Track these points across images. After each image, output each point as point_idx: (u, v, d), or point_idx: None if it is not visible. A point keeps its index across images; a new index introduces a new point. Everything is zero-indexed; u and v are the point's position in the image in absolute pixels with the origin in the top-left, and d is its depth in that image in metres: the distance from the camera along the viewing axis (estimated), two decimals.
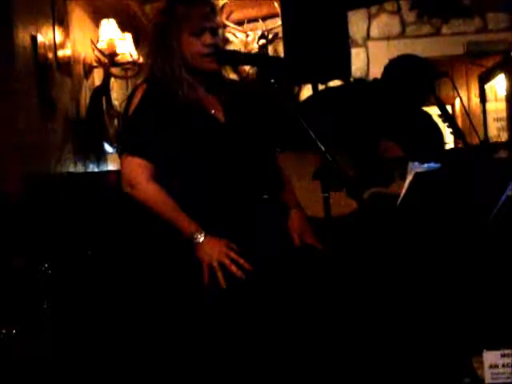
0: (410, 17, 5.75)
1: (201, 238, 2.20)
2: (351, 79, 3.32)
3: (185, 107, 2.28)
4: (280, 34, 4.59)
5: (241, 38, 5.22)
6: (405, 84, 3.18)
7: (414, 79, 3.17)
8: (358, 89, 3.39)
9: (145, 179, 2.23)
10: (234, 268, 2.18)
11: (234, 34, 5.25)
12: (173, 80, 2.29)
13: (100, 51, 4.43)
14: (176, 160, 2.27)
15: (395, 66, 3.24)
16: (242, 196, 2.31)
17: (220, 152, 2.30)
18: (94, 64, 4.51)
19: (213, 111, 2.35)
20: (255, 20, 5.30)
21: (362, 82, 3.81)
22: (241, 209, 2.30)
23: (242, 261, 2.19)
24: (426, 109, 3.46)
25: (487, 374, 2.36)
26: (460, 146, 3.30)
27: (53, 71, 3.77)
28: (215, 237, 2.22)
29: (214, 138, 2.31)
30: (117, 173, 4.05)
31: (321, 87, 3.08)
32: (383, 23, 5.74)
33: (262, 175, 2.39)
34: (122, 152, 2.30)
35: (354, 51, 4.81)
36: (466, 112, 5.46)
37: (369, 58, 5.70)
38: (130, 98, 2.33)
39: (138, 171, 2.23)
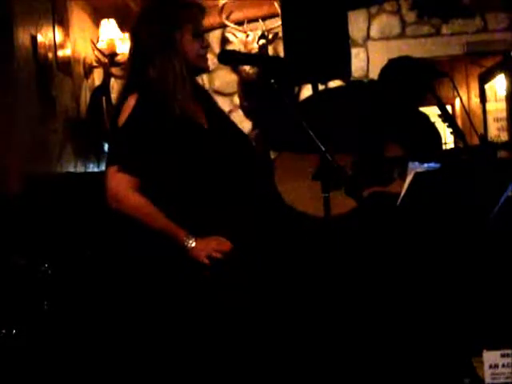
0: (410, 17, 5.74)
1: (192, 243, 2.22)
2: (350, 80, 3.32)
3: (178, 115, 2.26)
4: (280, 34, 4.58)
5: (241, 38, 5.21)
6: (402, 84, 3.19)
7: (411, 79, 3.18)
8: (355, 90, 3.39)
9: (130, 192, 2.21)
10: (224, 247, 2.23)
11: (233, 34, 5.25)
12: (173, 81, 2.27)
13: (100, 51, 4.44)
14: (166, 169, 2.26)
15: (392, 67, 3.25)
16: (232, 201, 2.32)
17: (208, 159, 2.30)
18: (94, 64, 4.51)
19: (200, 118, 2.35)
20: (255, 20, 5.29)
21: (359, 83, 3.81)
22: (232, 215, 2.32)
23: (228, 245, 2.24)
24: (425, 109, 3.46)
25: (487, 374, 2.36)
26: (460, 146, 3.29)
27: (53, 71, 3.77)
28: (205, 237, 2.24)
29: (202, 145, 2.31)
30: None
31: (321, 87, 3.08)
32: (383, 23, 5.74)
33: (250, 179, 2.42)
34: (108, 164, 2.28)
35: (353, 51, 4.81)
36: (466, 112, 5.46)
37: (369, 58, 5.69)
38: (118, 107, 2.29)
39: (123, 185, 2.21)
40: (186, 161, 2.27)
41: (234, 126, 2.51)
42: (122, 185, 2.22)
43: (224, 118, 2.50)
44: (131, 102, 2.24)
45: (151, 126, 2.23)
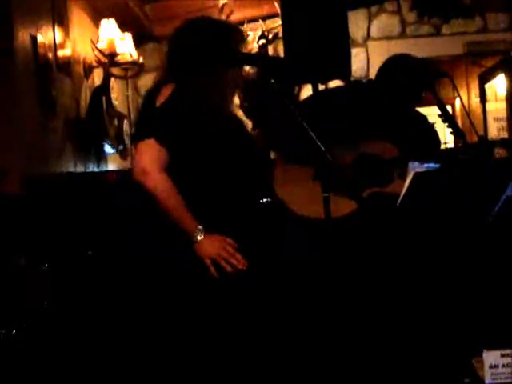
0: (411, 17, 5.74)
1: (200, 237, 2.24)
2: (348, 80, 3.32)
3: (209, 112, 2.35)
4: (280, 34, 4.58)
5: None
6: (398, 82, 3.19)
7: (407, 78, 3.18)
8: (353, 90, 3.39)
9: (158, 169, 2.26)
10: (233, 260, 2.25)
11: None
12: (220, 91, 2.39)
13: (100, 51, 4.43)
14: (190, 158, 2.32)
15: (389, 66, 3.25)
16: (243, 198, 2.38)
17: (230, 155, 2.38)
18: (94, 64, 4.51)
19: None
20: (255, 20, 5.29)
21: (357, 83, 3.80)
22: (243, 210, 2.35)
23: (239, 256, 2.26)
24: (426, 109, 3.46)
25: (487, 374, 2.35)
26: (460, 145, 3.29)
27: (53, 71, 3.77)
28: (213, 234, 2.27)
29: (226, 142, 2.38)
30: (116, 173, 4.07)
31: (321, 87, 3.07)
32: (383, 23, 5.74)
33: (262, 178, 2.47)
34: (141, 137, 2.32)
35: (354, 51, 4.83)
36: (466, 112, 5.46)
37: (369, 58, 5.70)
38: (153, 94, 2.37)
39: (154, 159, 2.26)
40: (207, 153, 2.34)
41: (247, 132, 2.61)
42: (152, 160, 2.26)
43: (240, 123, 2.58)
44: (167, 89, 2.33)
45: (184, 111, 2.30)
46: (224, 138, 2.37)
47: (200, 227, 2.25)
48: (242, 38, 2.50)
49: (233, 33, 2.46)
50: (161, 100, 2.32)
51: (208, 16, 2.53)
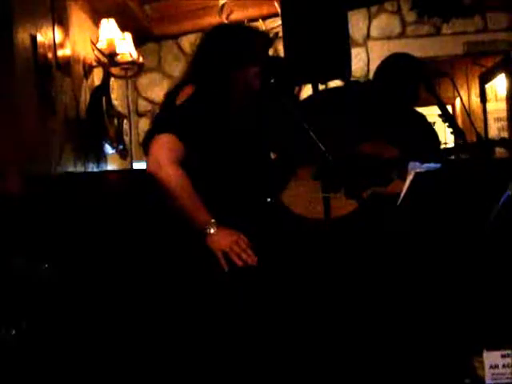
0: (411, 16, 5.74)
1: (213, 230, 2.27)
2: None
3: (225, 113, 2.40)
4: (280, 34, 4.58)
5: None
6: (394, 83, 3.19)
7: (403, 77, 3.18)
8: (352, 90, 3.39)
9: (173, 162, 2.29)
10: (244, 255, 2.27)
11: None
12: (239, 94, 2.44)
13: (100, 51, 4.43)
14: (204, 156, 2.36)
15: (386, 66, 3.25)
16: (251, 197, 2.43)
17: (240, 155, 2.42)
18: (94, 64, 4.51)
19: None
20: (255, 20, 5.28)
21: (356, 83, 3.80)
22: (250, 209, 2.36)
23: (250, 251, 2.28)
24: (426, 109, 3.46)
25: (487, 375, 2.35)
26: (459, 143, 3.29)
27: (52, 71, 3.76)
28: (226, 228, 2.30)
29: (236, 142, 2.43)
30: (116, 173, 4.07)
31: (321, 87, 3.08)
32: (383, 23, 5.74)
33: (266, 179, 2.50)
34: (160, 132, 2.35)
35: (354, 51, 4.79)
36: (467, 112, 5.46)
37: (369, 58, 5.69)
38: (173, 93, 2.43)
39: (171, 152, 2.30)
40: (220, 152, 2.38)
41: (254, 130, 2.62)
42: (168, 153, 2.30)
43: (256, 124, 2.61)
44: (188, 90, 2.40)
45: (204, 112, 2.36)
46: (236, 140, 2.41)
47: (213, 220, 2.28)
48: (267, 42, 2.58)
49: (258, 37, 2.53)
50: (182, 99, 2.38)
51: (236, 23, 2.59)
